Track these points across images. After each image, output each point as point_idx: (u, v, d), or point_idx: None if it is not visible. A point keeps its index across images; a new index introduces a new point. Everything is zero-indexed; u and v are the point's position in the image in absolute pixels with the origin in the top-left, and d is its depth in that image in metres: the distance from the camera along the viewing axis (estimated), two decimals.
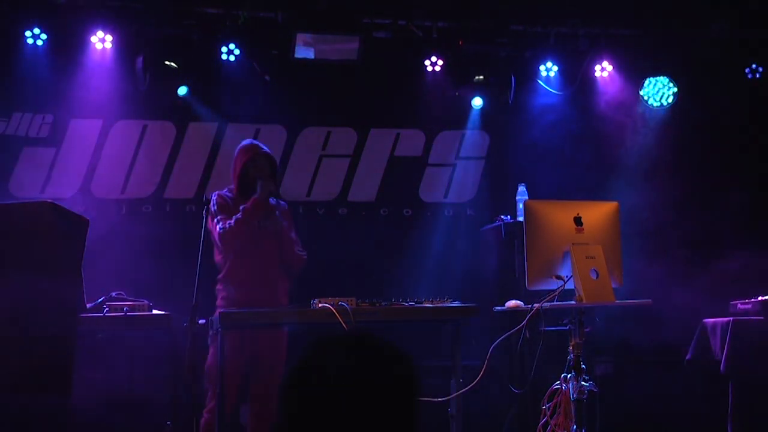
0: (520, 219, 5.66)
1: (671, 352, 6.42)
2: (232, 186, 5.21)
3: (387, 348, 1.78)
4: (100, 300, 4.41)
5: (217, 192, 5.17)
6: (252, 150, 5.17)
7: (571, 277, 4.36)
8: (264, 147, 5.25)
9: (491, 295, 6.25)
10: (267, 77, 6.86)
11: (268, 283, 5.08)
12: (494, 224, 6.51)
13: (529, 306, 4.39)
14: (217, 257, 5.15)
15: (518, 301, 4.67)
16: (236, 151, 5.25)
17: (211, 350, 4.96)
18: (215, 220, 5.03)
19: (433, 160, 7.46)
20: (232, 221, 4.96)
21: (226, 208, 5.05)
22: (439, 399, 4.54)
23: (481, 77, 7.06)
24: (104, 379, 5.77)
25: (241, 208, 4.99)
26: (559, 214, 4.49)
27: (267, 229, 5.09)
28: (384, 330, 5.17)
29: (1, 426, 4.54)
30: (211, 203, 5.05)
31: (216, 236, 5.02)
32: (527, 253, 4.39)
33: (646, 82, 7.28)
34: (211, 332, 4.80)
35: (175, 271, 5.65)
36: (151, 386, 5.21)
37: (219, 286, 5.14)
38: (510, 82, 7.05)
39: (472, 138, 7.48)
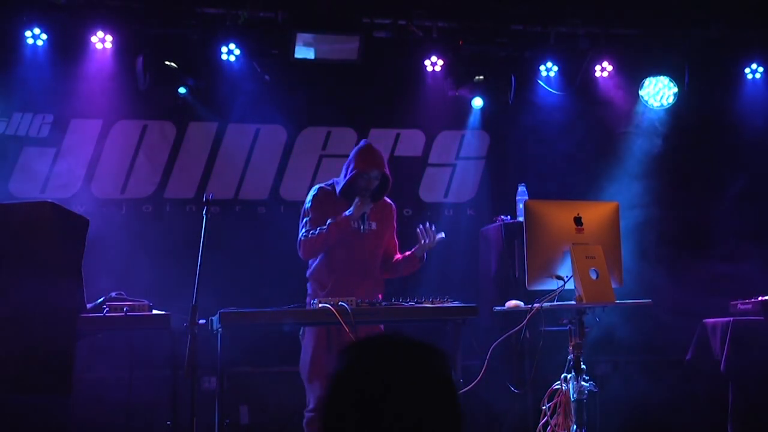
0: (520, 219, 5.66)
1: (671, 352, 6.42)
2: (336, 181, 5.04)
3: (420, 347, 1.75)
4: (100, 300, 4.41)
5: (319, 185, 5.02)
6: (369, 166, 4.91)
7: (571, 277, 4.36)
8: (382, 162, 4.95)
9: (491, 295, 6.25)
10: (267, 77, 6.86)
11: (357, 285, 4.91)
12: (494, 224, 6.51)
13: (529, 306, 4.39)
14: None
15: (518, 301, 4.67)
16: (354, 152, 4.99)
17: (302, 347, 4.92)
18: (305, 219, 4.93)
19: (433, 160, 7.46)
20: (316, 232, 4.84)
21: (320, 208, 4.93)
22: None
23: (481, 77, 7.06)
24: (104, 379, 5.78)
25: (328, 222, 4.84)
26: (559, 214, 4.50)
27: (366, 231, 4.97)
28: (384, 330, 5.17)
29: (1, 426, 4.54)
30: (308, 198, 4.96)
31: (297, 239, 4.93)
32: (527, 253, 4.39)
33: (646, 82, 7.27)
34: (301, 330, 4.86)
35: (175, 271, 5.65)
36: (151, 386, 5.21)
37: (308, 284, 5.07)
38: (510, 82, 7.05)
39: (472, 138, 7.48)
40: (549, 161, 7.15)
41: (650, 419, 6.41)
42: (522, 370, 5.87)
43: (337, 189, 4.99)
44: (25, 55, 6.42)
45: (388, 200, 5.14)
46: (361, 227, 4.95)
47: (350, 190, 4.94)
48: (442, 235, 4.96)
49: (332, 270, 4.95)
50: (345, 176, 4.96)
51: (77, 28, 6.44)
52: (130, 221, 6.79)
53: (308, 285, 5.08)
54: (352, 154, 5.00)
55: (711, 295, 6.25)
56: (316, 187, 5.05)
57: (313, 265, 5.04)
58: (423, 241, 4.91)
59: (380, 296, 5.00)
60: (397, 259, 5.13)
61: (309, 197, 5.01)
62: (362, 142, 5.10)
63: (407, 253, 5.07)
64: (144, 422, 5.41)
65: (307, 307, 4.85)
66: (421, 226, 4.96)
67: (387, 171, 4.99)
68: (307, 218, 4.94)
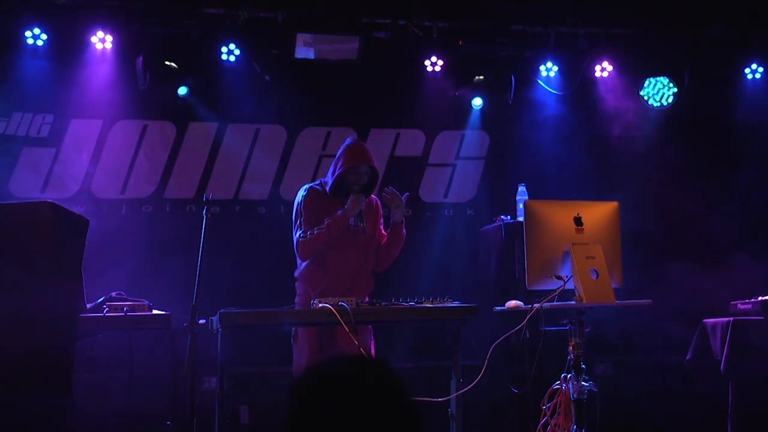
0: (520, 219, 5.66)
1: (671, 352, 6.42)
2: (324, 180, 5.03)
3: (390, 380, 1.78)
4: (100, 300, 4.41)
5: (309, 185, 5.01)
6: (357, 160, 4.92)
7: (571, 277, 4.36)
8: (370, 157, 4.97)
9: (491, 295, 6.25)
10: (267, 77, 6.86)
11: (350, 284, 4.92)
12: (494, 224, 6.51)
13: (529, 306, 4.39)
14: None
15: (518, 301, 4.66)
16: (341, 150, 4.99)
17: (295, 350, 4.89)
18: (298, 220, 4.92)
19: (433, 160, 7.46)
20: (314, 232, 4.83)
21: (312, 208, 4.90)
22: (439, 399, 4.54)
23: (481, 77, 7.06)
24: (104, 380, 5.78)
25: (326, 222, 4.83)
26: (559, 214, 4.49)
27: (359, 229, 4.97)
28: (384, 330, 5.18)
29: (1, 426, 4.54)
30: (298, 199, 4.95)
31: (294, 240, 4.91)
32: (527, 253, 4.39)
33: (646, 82, 7.27)
34: (293, 332, 4.82)
35: (175, 271, 5.65)
36: (151, 386, 5.21)
37: (297, 284, 5.04)
38: (510, 82, 7.05)
39: (472, 138, 7.48)
40: (549, 161, 7.15)
41: (650, 419, 6.41)
42: (522, 370, 5.87)
43: (327, 187, 4.97)
44: (25, 55, 6.42)
45: (373, 196, 5.14)
46: (358, 225, 4.94)
47: (340, 187, 4.93)
48: (407, 194, 5.07)
49: (326, 270, 4.93)
50: (334, 173, 4.95)
51: (77, 28, 6.44)
52: (130, 221, 6.79)
53: (297, 285, 5.05)
54: (340, 151, 5.01)
55: (710, 295, 6.25)
56: (306, 186, 5.03)
57: (304, 266, 5.00)
58: (395, 204, 4.94)
59: (366, 297, 4.93)
60: (384, 243, 5.11)
61: (300, 198, 4.98)
62: (349, 139, 5.11)
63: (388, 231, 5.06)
64: (144, 422, 5.40)
65: (297, 308, 4.84)
66: (387, 189, 4.98)
67: (375, 165, 5.01)
68: (301, 219, 4.92)
